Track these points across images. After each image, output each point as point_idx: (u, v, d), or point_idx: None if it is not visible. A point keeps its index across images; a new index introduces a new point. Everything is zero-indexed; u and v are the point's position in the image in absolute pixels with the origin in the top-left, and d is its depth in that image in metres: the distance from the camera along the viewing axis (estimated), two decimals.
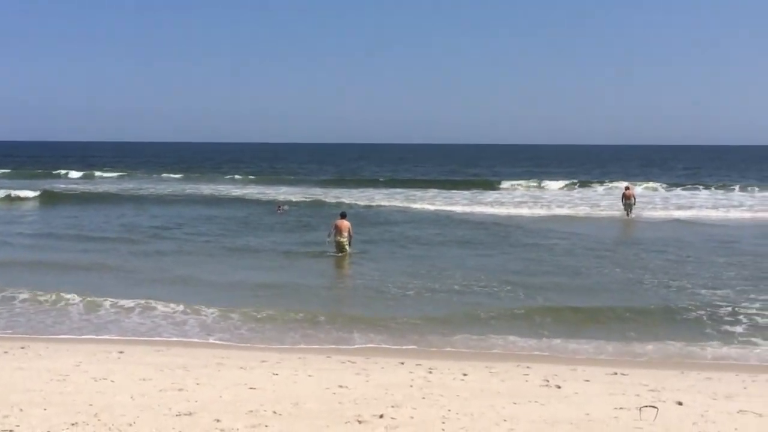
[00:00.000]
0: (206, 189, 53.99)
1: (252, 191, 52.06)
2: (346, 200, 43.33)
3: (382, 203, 42.24)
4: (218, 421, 7.31)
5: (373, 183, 62.18)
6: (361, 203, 41.90)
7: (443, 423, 7.50)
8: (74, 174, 72.67)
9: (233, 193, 49.70)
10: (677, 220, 33.84)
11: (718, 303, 16.03)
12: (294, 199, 43.69)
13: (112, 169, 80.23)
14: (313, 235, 27.07)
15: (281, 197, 44.94)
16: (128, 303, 15.67)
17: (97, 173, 74.50)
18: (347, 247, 22.39)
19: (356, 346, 13.10)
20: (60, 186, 55.13)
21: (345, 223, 22.58)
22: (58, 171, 74.66)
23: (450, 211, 38.35)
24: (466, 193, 51.44)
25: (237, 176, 69.03)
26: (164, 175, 72.22)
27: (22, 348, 11.82)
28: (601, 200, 45.21)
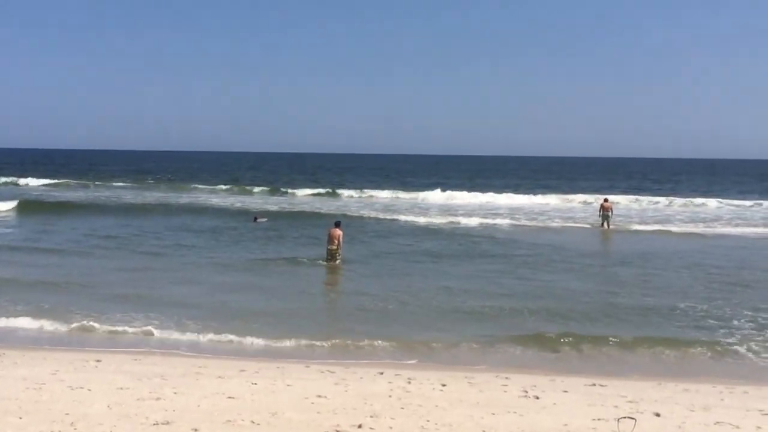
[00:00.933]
0: (183, 198, 53.78)
1: (231, 200, 52.02)
2: (324, 210, 43.37)
3: (360, 213, 42.09)
4: (196, 430, 7.29)
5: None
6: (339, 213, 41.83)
7: None
8: (36, 182, 69.70)
9: (210, 202, 49.59)
10: (654, 232, 34.13)
11: (694, 314, 16.20)
12: (271, 209, 43.58)
13: (92, 178, 79.37)
14: (289, 245, 27.05)
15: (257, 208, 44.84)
16: (105, 318, 15.54)
17: (67, 181, 72.17)
18: (337, 256, 22.66)
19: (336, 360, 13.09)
20: (31, 195, 53.39)
21: (337, 232, 22.92)
22: (26, 180, 71.18)
23: (430, 222, 38.24)
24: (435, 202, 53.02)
25: (222, 186, 68.38)
26: (119, 183, 71.59)
27: None
28: (577, 213, 45.32)
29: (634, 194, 58.25)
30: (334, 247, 22.69)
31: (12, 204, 42.32)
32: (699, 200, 53.48)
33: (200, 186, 68.17)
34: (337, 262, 22.63)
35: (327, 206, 47.59)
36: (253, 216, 37.27)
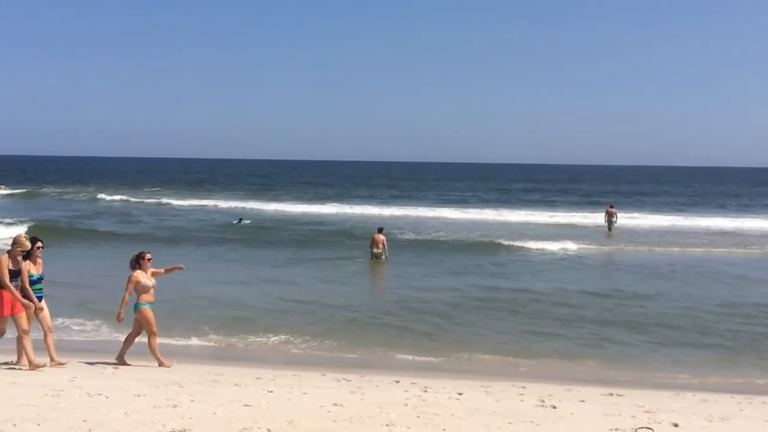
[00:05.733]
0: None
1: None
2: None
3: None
4: None
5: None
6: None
7: None
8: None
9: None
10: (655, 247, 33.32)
11: (705, 324, 16.20)
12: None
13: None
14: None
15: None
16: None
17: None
18: (382, 257, 25.86)
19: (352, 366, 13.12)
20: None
21: (380, 237, 26.13)
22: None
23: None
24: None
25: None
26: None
27: (16, 362, 11.75)
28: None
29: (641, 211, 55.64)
30: (379, 251, 25.87)
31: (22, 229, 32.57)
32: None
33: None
34: (383, 258, 25.81)
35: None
36: (238, 218, 41.73)
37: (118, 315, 11.86)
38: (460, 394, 10.35)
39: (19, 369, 11.30)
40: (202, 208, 52.73)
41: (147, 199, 60.67)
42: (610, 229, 38.14)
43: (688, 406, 10.30)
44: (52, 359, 11.54)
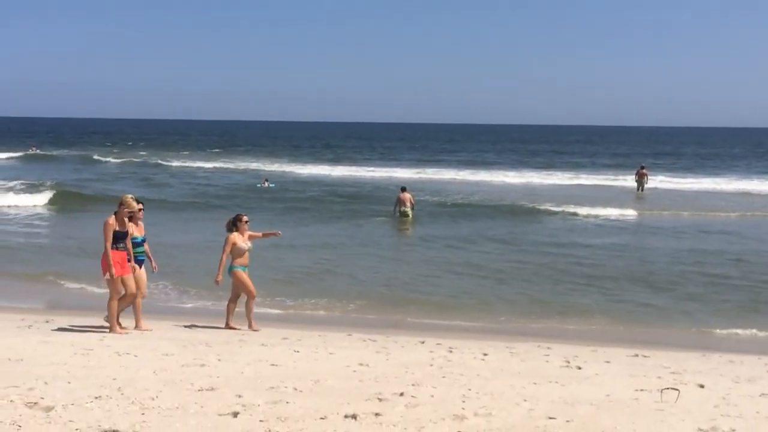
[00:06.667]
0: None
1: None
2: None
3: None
4: (240, 396, 7.37)
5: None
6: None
7: (463, 402, 7.51)
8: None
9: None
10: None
11: (733, 286, 16.12)
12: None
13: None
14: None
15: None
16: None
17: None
18: (410, 214, 26.35)
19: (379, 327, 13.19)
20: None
21: (406, 195, 26.59)
22: None
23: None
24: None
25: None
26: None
27: (47, 322, 11.93)
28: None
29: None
30: (407, 209, 26.28)
31: (47, 195, 32.81)
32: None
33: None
34: (410, 216, 26.28)
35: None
36: (263, 179, 41.44)
37: (216, 277, 11.93)
38: (486, 354, 10.37)
39: (49, 328, 11.45)
40: (227, 171, 53.01)
41: (171, 161, 60.97)
42: (640, 191, 38.86)
43: (715, 367, 10.27)
44: (137, 323, 11.52)
